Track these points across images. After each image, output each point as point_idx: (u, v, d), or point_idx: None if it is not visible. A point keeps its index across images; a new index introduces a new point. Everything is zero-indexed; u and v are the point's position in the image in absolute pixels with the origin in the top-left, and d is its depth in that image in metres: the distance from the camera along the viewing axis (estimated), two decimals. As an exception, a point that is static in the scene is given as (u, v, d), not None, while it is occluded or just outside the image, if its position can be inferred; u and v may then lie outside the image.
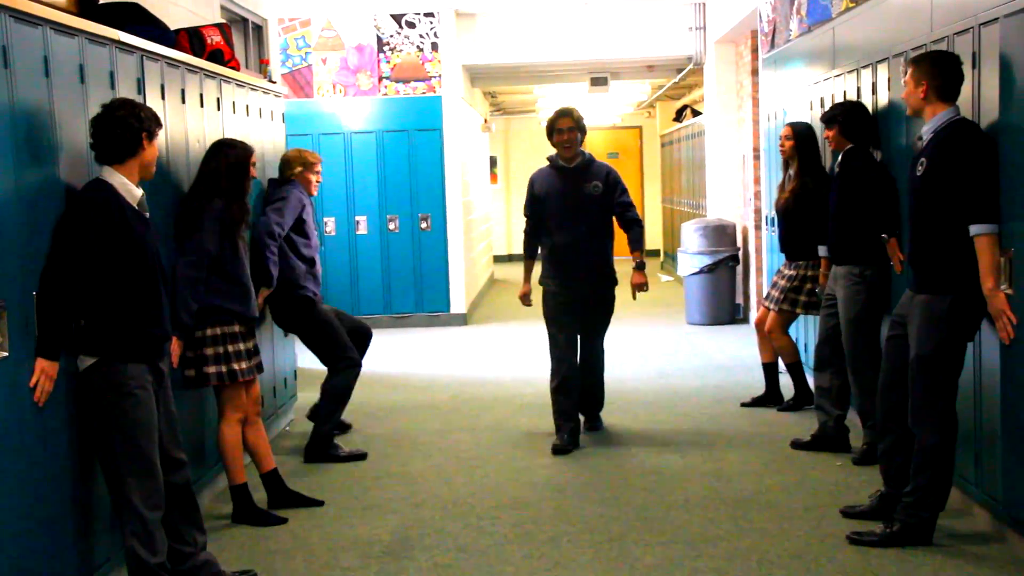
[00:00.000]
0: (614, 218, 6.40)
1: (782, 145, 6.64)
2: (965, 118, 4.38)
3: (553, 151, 6.40)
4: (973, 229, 4.17)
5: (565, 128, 6.26)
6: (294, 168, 6.18)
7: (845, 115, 5.69)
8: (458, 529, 4.94)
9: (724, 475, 5.66)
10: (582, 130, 6.30)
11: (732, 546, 4.61)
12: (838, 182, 5.68)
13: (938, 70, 4.34)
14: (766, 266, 9.05)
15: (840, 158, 5.73)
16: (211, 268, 4.76)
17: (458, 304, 11.68)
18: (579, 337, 6.42)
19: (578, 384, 6.34)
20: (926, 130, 4.41)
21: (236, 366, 4.90)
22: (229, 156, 4.90)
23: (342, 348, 6.19)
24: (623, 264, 6.50)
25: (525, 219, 6.50)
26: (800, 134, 6.57)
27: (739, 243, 11.10)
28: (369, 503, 5.38)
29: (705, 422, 6.86)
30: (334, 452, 6.13)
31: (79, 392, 3.81)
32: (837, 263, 5.72)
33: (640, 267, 6.34)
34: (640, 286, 6.35)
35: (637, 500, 5.27)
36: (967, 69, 4.51)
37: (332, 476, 5.84)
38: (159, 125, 3.98)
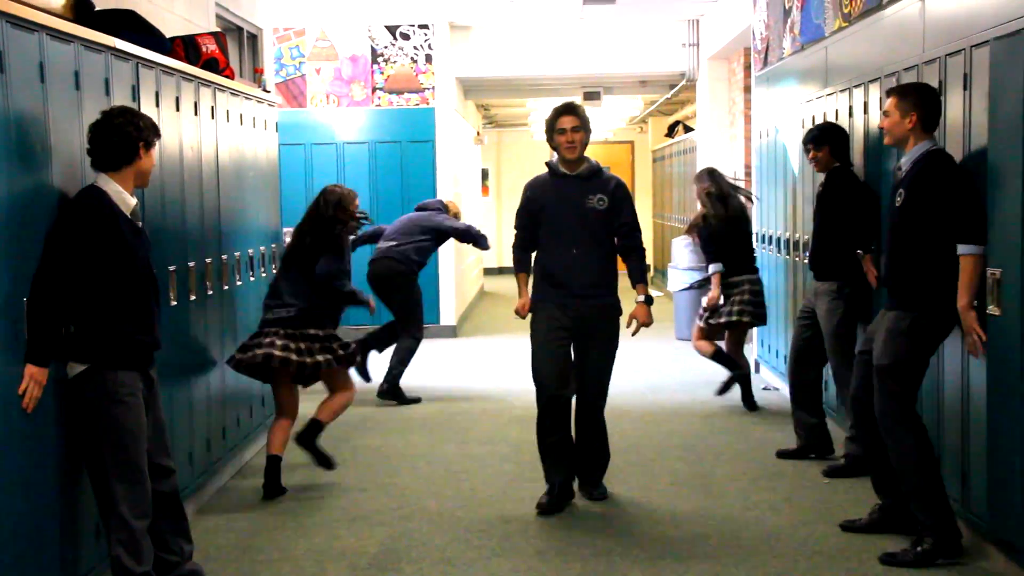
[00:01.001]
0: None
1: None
2: (941, 148, 4.52)
3: (549, 155, 5.60)
4: (961, 248, 4.27)
5: (568, 127, 5.31)
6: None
7: (835, 136, 5.91)
8: (445, 542, 4.94)
9: (712, 490, 5.67)
10: (588, 130, 5.38)
11: (720, 562, 4.61)
12: (823, 200, 5.84)
13: (923, 102, 4.50)
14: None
15: (826, 177, 5.91)
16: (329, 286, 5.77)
17: (448, 316, 11.68)
18: (573, 372, 5.43)
19: (567, 413, 5.38)
20: (905, 160, 4.56)
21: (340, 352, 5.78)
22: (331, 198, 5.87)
23: (419, 322, 8.25)
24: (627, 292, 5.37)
25: (515, 231, 5.58)
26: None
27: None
28: (356, 515, 5.37)
29: (693, 437, 6.87)
30: (401, 396, 8.07)
31: (68, 399, 3.80)
32: (819, 279, 5.93)
33: (647, 302, 5.40)
34: (640, 321, 5.41)
35: (625, 514, 5.27)
36: (958, 90, 4.56)
37: (319, 487, 5.83)
38: (157, 135, 4.00)
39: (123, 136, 3.84)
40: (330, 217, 5.81)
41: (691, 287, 10.88)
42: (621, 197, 5.43)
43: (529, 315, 5.47)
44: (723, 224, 7.34)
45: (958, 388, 4.63)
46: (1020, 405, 4.05)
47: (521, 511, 5.36)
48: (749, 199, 8.08)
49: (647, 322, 5.40)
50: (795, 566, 4.53)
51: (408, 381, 9.12)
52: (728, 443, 6.68)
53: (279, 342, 5.53)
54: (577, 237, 5.34)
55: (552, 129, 5.38)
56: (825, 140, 5.87)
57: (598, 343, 5.38)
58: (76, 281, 3.69)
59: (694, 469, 6.09)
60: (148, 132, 3.91)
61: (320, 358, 5.63)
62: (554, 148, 5.41)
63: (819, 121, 6.75)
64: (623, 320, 5.38)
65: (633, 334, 5.46)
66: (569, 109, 5.37)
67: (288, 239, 6.05)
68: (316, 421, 5.80)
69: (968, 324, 4.26)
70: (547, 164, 5.55)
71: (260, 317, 5.78)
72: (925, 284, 4.46)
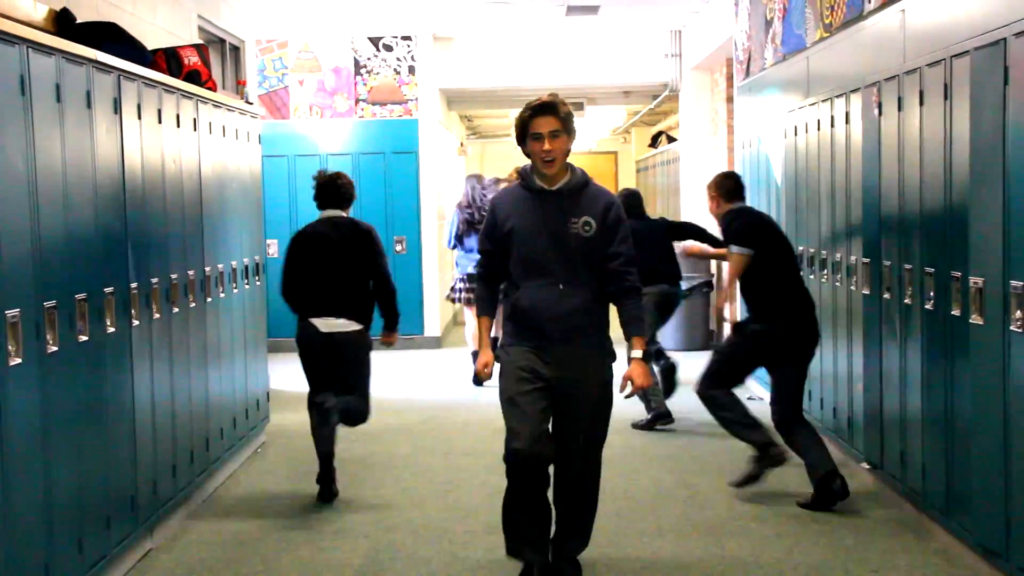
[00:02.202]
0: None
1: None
2: (743, 207, 5.85)
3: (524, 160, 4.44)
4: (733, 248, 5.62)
5: (545, 131, 4.13)
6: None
7: (732, 182, 5.96)
8: (430, 554, 4.92)
9: (697, 501, 5.67)
10: (571, 133, 4.21)
11: (705, 573, 4.61)
12: (727, 240, 5.84)
13: (721, 183, 5.86)
14: (740, 293, 9.08)
15: (723, 218, 5.87)
16: None
17: (432, 327, 11.67)
18: (553, 432, 4.29)
19: (544, 479, 4.23)
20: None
21: None
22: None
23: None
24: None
25: (479, 257, 4.50)
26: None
27: (713, 270, 11.15)
28: (340, 527, 5.34)
29: (678, 448, 6.87)
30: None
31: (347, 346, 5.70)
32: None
33: (645, 358, 4.31)
34: (636, 383, 4.31)
35: (609, 526, 5.27)
36: (939, 100, 4.58)
37: (303, 499, 5.81)
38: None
39: (348, 191, 5.97)
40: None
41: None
42: (613, 221, 4.22)
43: (496, 367, 4.37)
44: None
45: (942, 398, 4.65)
46: (1001, 410, 4.06)
47: (506, 522, 5.35)
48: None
49: (644, 384, 4.29)
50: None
51: (391, 394, 9.11)
52: (713, 453, 6.68)
53: None
54: (556, 270, 4.19)
55: (524, 133, 4.19)
56: (718, 187, 5.96)
57: (584, 404, 4.23)
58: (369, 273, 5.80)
59: (679, 479, 6.09)
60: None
61: None
62: (528, 156, 4.26)
63: (802, 131, 6.79)
64: (615, 379, 4.34)
65: (626, 397, 4.46)
66: (546, 108, 4.15)
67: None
68: None
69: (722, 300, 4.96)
70: (518, 172, 4.40)
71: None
72: (769, 303, 5.68)
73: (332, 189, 5.94)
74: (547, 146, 4.14)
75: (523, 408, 4.14)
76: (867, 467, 5.73)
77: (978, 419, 4.31)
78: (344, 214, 5.95)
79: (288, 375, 9.76)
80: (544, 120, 4.15)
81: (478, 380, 9.06)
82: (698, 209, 12.04)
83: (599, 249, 4.22)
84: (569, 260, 4.20)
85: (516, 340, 4.28)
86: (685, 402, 8.20)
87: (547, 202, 4.23)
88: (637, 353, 4.28)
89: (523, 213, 4.24)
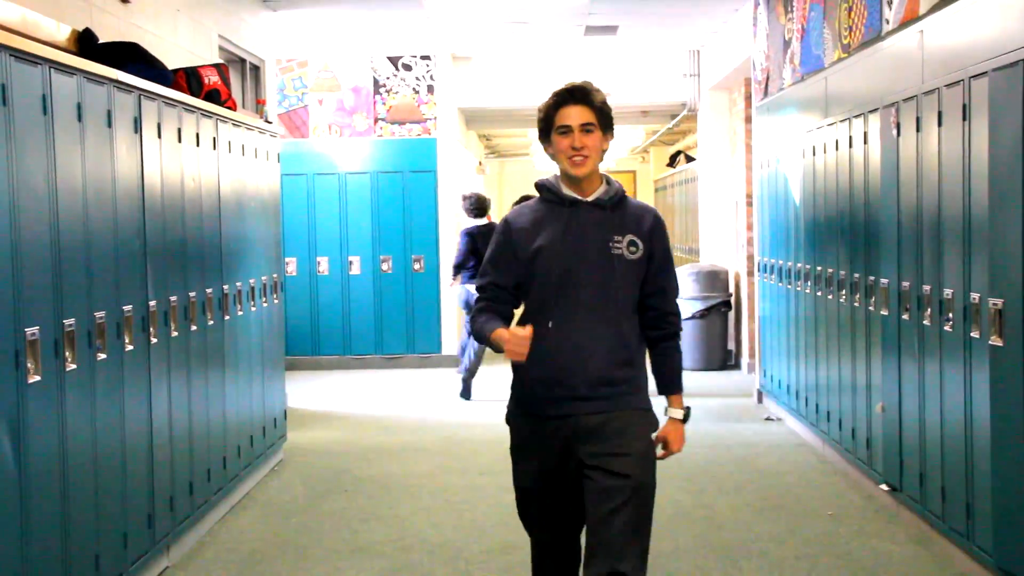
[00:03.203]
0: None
1: None
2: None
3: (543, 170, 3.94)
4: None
5: (575, 124, 3.29)
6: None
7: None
8: (446, 573, 4.91)
9: (715, 522, 5.64)
10: (607, 129, 3.34)
11: (721, 594, 4.59)
12: None
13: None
14: (758, 312, 9.07)
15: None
16: None
17: (450, 346, 11.67)
18: (583, 536, 3.37)
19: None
20: None
21: None
22: None
23: None
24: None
25: (478, 292, 3.47)
26: None
27: (731, 289, 11.13)
28: (357, 545, 5.34)
29: (696, 469, 6.85)
30: None
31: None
32: None
33: (684, 419, 3.48)
34: (673, 448, 3.45)
35: (626, 546, 5.25)
36: (958, 121, 4.57)
37: (320, 518, 5.81)
38: None
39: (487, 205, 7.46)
40: None
41: (693, 316, 10.89)
42: (660, 243, 3.39)
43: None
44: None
45: (961, 419, 4.62)
46: (1022, 433, 4.03)
47: (522, 542, 5.31)
48: None
49: (680, 450, 3.46)
50: (798, 598, 4.51)
51: (409, 412, 9.12)
52: (731, 474, 6.65)
53: None
54: (594, 303, 3.29)
55: (549, 127, 3.35)
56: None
57: (620, 478, 3.21)
58: None
59: (696, 500, 6.07)
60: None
61: None
62: (552, 157, 3.40)
63: (820, 151, 6.79)
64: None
65: (659, 453, 3.43)
66: (577, 95, 3.31)
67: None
68: None
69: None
70: (539, 186, 3.43)
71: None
72: None
73: (480, 203, 9.60)
74: (577, 141, 3.27)
75: (543, 508, 3.42)
76: (886, 489, 5.69)
77: (998, 441, 4.28)
78: (487, 220, 9.31)
79: (305, 393, 9.80)
80: (574, 110, 3.30)
81: (467, 394, 9.41)
82: (717, 228, 12.02)
83: (641, 277, 3.36)
84: (611, 291, 3.29)
85: (531, 406, 3.35)
86: (700, 422, 8.17)
87: (582, 216, 3.32)
88: (677, 413, 3.47)
89: (552, 231, 3.31)
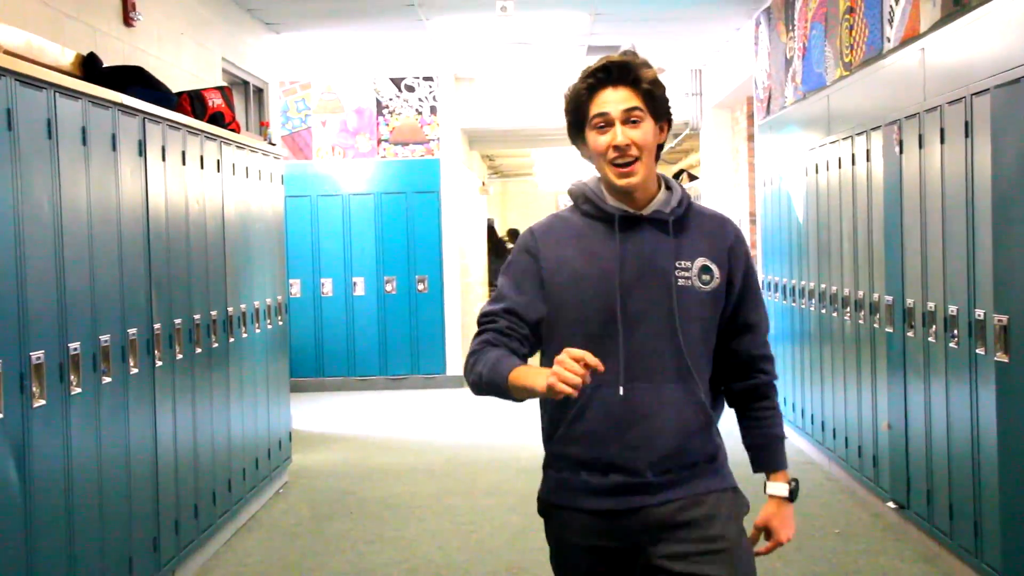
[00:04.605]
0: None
1: None
2: None
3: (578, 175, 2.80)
4: None
5: (616, 112, 2.39)
6: None
7: None
8: (452, 595, 4.89)
9: (721, 541, 5.61)
10: (661, 116, 2.44)
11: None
12: None
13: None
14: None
15: None
16: None
17: (454, 366, 11.66)
18: None
19: None
20: None
21: None
22: None
23: None
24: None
25: (485, 317, 2.49)
26: None
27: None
28: (363, 568, 5.32)
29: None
30: None
31: None
32: None
33: (791, 496, 2.61)
34: (781, 537, 2.62)
35: (633, 566, 5.23)
36: (960, 138, 4.58)
37: (325, 540, 5.80)
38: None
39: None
40: None
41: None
42: (743, 264, 2.52)
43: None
44: None
45: (968, 435, 4.61)
46: (1030, 452, 4.02)
47: (528, 563, 5.32)
48: None
49: (790, 538, 2.63)
50: (806, 618, 4.48)
51: (414, 433, 9.11)
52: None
53: None
54: (651, 352, 2.41)
55: (582, 120, 2.46)
56: None
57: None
58: None
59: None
60: None
61: None
62: (588, 159, 2.51)
63: (823, 169, 6.79)
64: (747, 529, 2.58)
65: (758, 554, 2.63)
66: (616, 73, 2.40)
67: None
68: None
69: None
70: (574, 194, 2.53)
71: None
72: None
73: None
74: (619, 138, 2.38)
75: None
76: (893, 506, 5.67)
77: (1005, 457, 4.26)
78: None
79: (310, 414, 9.79)
80: (614, 94, 2.39)
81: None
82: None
83: (720, 313, 2.49)
84: (677, 335, 2.41)
85: (576, 498, 2.47)
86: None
87: (635, 236, 2.44)
88: (780, 489, 2.60)
89: (593, 255, 2.43)
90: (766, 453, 2.61)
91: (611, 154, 2.40)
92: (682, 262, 2.43)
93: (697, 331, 2.44)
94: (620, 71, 2.40)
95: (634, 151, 2.39)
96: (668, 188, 2.49)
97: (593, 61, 2.44)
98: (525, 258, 2.48)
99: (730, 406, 2.61)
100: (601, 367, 2.16)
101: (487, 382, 2.38)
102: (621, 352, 2.38)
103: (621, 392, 2.38)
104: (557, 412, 2.45)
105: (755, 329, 2.55)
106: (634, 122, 2.39)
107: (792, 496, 2.59)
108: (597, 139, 2.42)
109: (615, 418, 2.39)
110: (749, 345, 2.54)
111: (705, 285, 2.44)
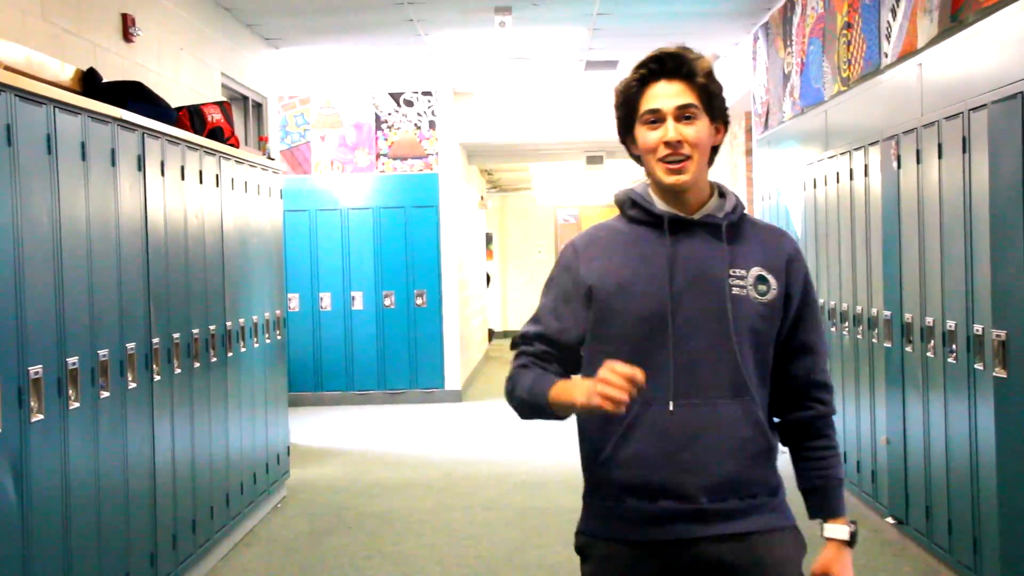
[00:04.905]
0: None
1: None
2: None
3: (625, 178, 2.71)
4: None
5: (670, 108, 2.24)
6: None
7: None
8: (451, 610, 4.88)
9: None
10: (717, 116, 2.29)
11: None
12: None
13: None
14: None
15: None
16: None
17: (453, 381, 11.66)
18: None
19: None
20: None
21: None
22: None
23: None
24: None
25: (520, 339, 2.37)
26: None
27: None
28: (361, 583, 5.32)
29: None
30: None
31: None
32: None
33: (851, 541, 2.41)
34: None
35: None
36: (957, 153, 4.59)
37: (323, 555, 5.78)
38: None
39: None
40: None
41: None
42: (802, 280, 2.33)
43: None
44: None
45: (966, 451, 4.61)
46: (1028, 467, 4.02)
47: (527, 578, 5.31)
48: None
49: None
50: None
51: (412, 448, 9.10)
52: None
53: None
54: (705, 365, 2.23)
55: (632, 115, 2.32)
56: None
57: None
58: None
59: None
60: None
61: None
62: (636, 159, 2.36)
63: (821, 184, 6.80)
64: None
65: None
66: (670, 66, 2.26)
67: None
68: None
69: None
70: (621, 201, 2.38)
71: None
72: None
73: None
74: (671, 133, 2.23)
75: None
76: (892, 522, 5.66)
77: (1004, 473, 4.26)
78: None
79: (308, 429, 9.78)
80: (667, 88, 2.25)
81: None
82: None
83: (777, 329, 2.30)
84: (733, 347, 2.23)
85: (621, 529, 2.25)
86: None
87: (685, 240, 2.28)
88: (840, 532, 2.39)
89: (641, 263, 2.27)
90: (825, 498, 2.37)
91: (662, 151, 2.25)
92: (737, 270, 2.25)
93: (753, 344, 2.24)
94: (676, 62, 2.26)
95: (686, 149, 2.23)
96: (722, 195, 2.33)
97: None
98: (565, 277, 2.33)
99: (784, 443, 2.35)
100: (643, 381, 2.02)
101: (530, 405, 2.28)
102: (672, 364, 2.19)
103: (671, 408, 2.18)
104: (599, 434, 2.25)
105: (814, 352, 2.33)
106: (688, 118, 2.24)
107: (852, 540, 2.38)
108: (647, 135, 2.27)
109: (665, 438, 2.19)
110: (807, 370, 2.32)
111: (762, 296, 2.26)
